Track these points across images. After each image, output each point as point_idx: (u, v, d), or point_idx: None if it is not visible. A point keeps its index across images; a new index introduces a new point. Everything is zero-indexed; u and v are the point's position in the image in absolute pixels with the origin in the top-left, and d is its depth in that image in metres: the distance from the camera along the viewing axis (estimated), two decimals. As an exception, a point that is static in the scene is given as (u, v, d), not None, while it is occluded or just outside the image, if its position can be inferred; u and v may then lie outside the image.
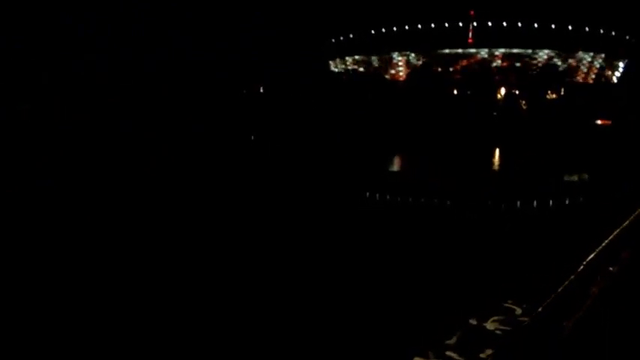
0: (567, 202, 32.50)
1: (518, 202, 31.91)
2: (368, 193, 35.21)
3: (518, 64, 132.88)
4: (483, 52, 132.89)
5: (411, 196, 33.68)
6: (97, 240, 19.55)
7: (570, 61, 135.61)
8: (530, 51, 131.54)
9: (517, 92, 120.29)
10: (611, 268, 9.40)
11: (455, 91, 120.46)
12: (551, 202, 32.07)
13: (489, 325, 4.99)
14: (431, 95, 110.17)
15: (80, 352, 10.79)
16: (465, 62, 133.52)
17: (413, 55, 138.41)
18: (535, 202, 31.78)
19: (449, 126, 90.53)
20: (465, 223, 24.20)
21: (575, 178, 46.16)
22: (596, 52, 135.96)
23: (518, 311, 5.34)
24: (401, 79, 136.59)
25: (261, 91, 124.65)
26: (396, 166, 57.98)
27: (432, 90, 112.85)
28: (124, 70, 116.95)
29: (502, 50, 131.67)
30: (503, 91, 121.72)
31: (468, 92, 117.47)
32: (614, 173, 45.14)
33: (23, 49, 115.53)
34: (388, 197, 33.97)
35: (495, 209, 29.96)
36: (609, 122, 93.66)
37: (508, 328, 4.96)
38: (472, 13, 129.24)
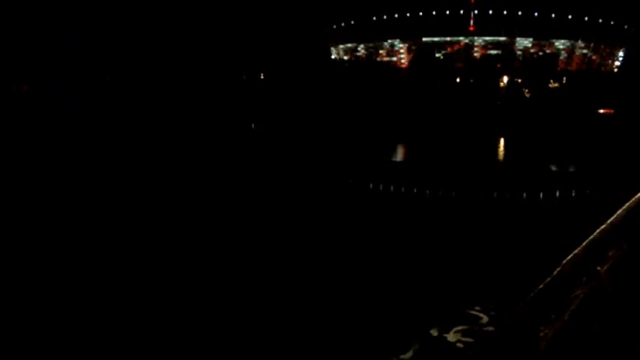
0: (567, 194, 31.99)
1: (518, 194, 31.47)
2: (370, 184, 34.92)
3: (519, 53, 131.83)
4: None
5: (412, 187, 33.34)
6: (97, 238, 19.33)
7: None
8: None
9: (519, 81, 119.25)
10: (598, 268, 8.92)
11: (457, 79, 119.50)
12: (550, 194, 31.60)
13: (451, 337, 4.59)
14: (433, 83, 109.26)
15: (80, 352, 10.56)
16: (466, 49, 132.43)
17: (413, 42, 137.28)
18: (535, 194, 31.33)
19: (452, 114, 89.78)
20: (458, 216, 23.80)
21: (575, 168, 45.60)
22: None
23: (485, 319, 4.93)
24: (403, 66, 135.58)
25: (262, 77, 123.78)
26: (398, 155, 57.53)
27: (434, 78, 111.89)
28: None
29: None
30: (505, 79, 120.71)
31: (471, 80, 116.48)
32: (615, 163, 44.55)
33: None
34: (390, 187, 33.66)
35: (496, 201, 29.53)
36: (611, 111, 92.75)
37: (471, 340, 4.56)
38: (472, 1, 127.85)
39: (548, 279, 6.26)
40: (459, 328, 4.70)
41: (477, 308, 5.07)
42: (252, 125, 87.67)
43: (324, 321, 11.51)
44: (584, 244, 7.49)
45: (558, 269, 6.48)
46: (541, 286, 6.02)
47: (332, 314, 11.81)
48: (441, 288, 12.33)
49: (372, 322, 11.21)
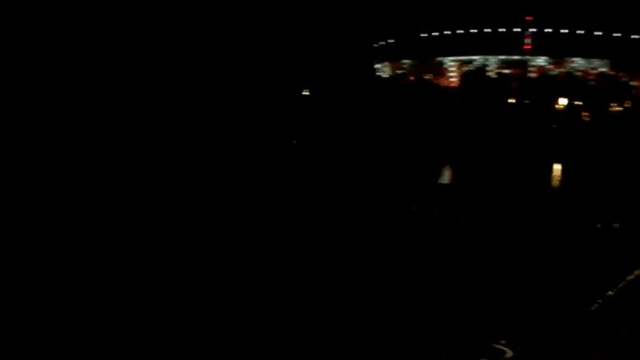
0: (618, 226, 29.98)
1: (573, 224, 29.85)
2: (414, 206, 34.40)
3: (578, 74, 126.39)
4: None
5: (459, 212, 32.50)
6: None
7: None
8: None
9: (579, 103, 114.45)
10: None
11: (511, 100, 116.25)
12: (599, 224, 29.74)
13: (472, 371, 4.36)
14: (485, 104, 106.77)
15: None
16: (521, 70, 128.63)
17: (465, 60, 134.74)
18: (586, 224, 29.63)
19: (504, 137, 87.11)
20: (497, 244, 22.89)
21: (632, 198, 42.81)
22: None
23: (509, 354, 4.65)
24: (452, 85, 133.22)
25: (304, 94, 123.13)
26: (445, 178, 56.46)
27: (486, 98, 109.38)
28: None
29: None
30: (564, 101, 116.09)
31: (526, 102, 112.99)
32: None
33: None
34: (435, 211, 32.97)
35: (544, 230, 28.14)
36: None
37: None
38: (529, 18, 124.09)
39: (588, 312, 5.88)
40: (482, 362, 4.47)
41: (503, 342, 4.82)
42: (293, 141, 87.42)
43: (337, 352, 11.10)
44: (628, 278, 6.99)
45: (600, 302, 6.08)
46: (579, 320, 5.66)
47: (348, 344, 11.34)
48: (467, 319, 11.61)
49: (391, 352, 10.52)
